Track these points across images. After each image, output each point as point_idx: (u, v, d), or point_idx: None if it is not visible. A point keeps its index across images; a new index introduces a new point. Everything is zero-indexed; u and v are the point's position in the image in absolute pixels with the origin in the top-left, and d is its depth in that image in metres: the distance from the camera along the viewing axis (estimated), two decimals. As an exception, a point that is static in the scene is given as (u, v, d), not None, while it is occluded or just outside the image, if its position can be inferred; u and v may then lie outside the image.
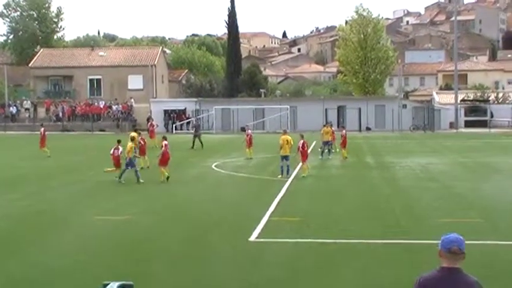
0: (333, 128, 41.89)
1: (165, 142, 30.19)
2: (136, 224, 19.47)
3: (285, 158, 30.39)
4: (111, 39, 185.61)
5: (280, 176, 30.09)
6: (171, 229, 18.80)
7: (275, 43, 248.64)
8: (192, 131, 52.51)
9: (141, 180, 28.57)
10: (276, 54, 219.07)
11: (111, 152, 30.14)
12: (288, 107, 76.57)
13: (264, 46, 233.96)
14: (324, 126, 42.61)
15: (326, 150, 39.39)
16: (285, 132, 32.37)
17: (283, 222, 19.54)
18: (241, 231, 18.06)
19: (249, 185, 28.81)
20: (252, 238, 17.26)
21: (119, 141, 30.69)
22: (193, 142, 48.46)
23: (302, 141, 30.98)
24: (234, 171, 33.60)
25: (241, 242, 16.81)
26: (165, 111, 79.06)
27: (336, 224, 19.44)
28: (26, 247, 16.61)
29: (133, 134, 33.34)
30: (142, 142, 33.80)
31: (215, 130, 74.16)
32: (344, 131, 41.24)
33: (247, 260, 15.25)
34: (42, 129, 44.32)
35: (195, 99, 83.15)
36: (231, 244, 16.73)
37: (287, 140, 30.73)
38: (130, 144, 29.75)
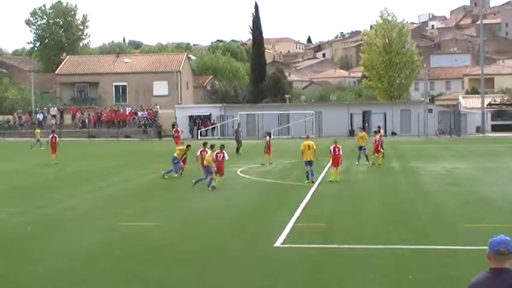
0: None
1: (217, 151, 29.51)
2: (161, 230, 19.47)
3: (309, 163, 30.28)
4: (136, 45, 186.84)
5: (306, 181, 29.99)
6: (196, 235, 18.76)
7: (299, 48, 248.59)
8: (234, 137, 51.90)
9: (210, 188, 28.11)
10: (301, 59, 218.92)
11: (214, 158, 29.08)
12: (313, 112, 76.45)
13: (289, 51, 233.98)
14: (360, 130, 42.33)
15: (363, 156, 39.05)
16: (307, 138, 32.40)
17: (309, 227, 19.44)
18: (266, 237, 17.99)
19: (274, 191, 28.73)
20: (278, 244, 17.19)
21: (209, 145, 30.40)
22: (238, 148, 48.94)
23: (334, 145, 30.89)
24: (259, 177, 33.55)
25: (267, 248, 16.74)
26: (190, 117, 79.27)
27: (361, 229, 19.31)
28: (51, 253, 16.64)
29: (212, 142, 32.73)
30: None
31: (240, 136, 74.07)
32: (377, 136, 39.20)
33: (273, 266, 15.16)
34: (51, 135, 43.82)
35: (219, 105, 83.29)
36: (256, 250, 16.67)
37: (308, 145, 30.63)
38: (210, 152, 29.35)
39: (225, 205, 24.66)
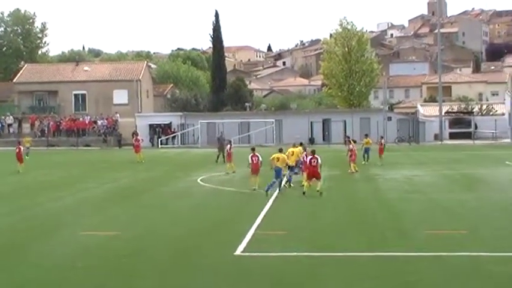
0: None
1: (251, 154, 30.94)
2: (123, 239, 19.40)
3: (290, 168, 31.16)
4: (96, 54, 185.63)
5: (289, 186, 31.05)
6: (157, 244, 18.73)
7: (260, 57, 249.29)
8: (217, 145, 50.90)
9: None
10: (261, 67, 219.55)
11: (250, 160, 30.89)
12: (273, 120, 76.68)
13: (249, 60, 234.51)
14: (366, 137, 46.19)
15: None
16: (294, 146, 33.60)
17: (269, 235, 19.53)
18: (227, 245, 18.02)
19: (235, 199, 28.77)
20: (238, 252, 17.24)
21: (253, 149, 31.88)
22: (218, 156, 47.90)
23: (305, 153, 31.01)
24: (220, 185, 33.57)
25: (227, 256, 16.78)
26: (151, 126, 78.94)
27: (321, 237, 19.46)
28: (13, 263, 16.49)
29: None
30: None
31: (200, 144, 74.14)
32: (351, 146, 40.09)
33: (233, 275, 15.23)
34: (19, 146, 43.72)
35: (180, 114, 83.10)
36: (216, 258, 16.69)
37: (293, 152, 31.52)
38: (283, 156, 30.06)
39: (185, 213, 24.66)
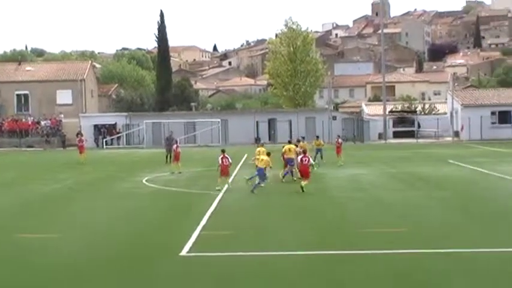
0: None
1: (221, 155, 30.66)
2: (64, 241, 19.16)
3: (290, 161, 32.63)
4: (39, 53, 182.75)
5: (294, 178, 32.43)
6: (101, 245, 18.56)
7: (206, 57, 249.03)
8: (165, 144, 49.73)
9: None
10: (207, 67, 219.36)
11: (220, 161, 30.53)
12: (219, 120, 76.61)
13: (195, 60, 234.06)
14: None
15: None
16: (289, 142, 36.06)
17: (214, 236, 19.51)
18: (172, 246, 17.95)
19: (181, 200, 28.68)
20: (183, 253, 17.17)
21: (223, 151, 31.42)
22: (167, 156, 46.79)
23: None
24: (166, 186, 33.41)
25: (172, 257, 16.71)
26: (95, 126, 78.23)
27: (267, 236, 19.52)
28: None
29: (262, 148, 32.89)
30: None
31: (146, 144, 73.72)
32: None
33: (178, 275, 15.18)
34: None
35: (125, 114, 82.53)
36: (161, 259, 16.60)
37: (289, 148, 33.37)
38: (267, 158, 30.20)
39: (129, 214, 24.48)
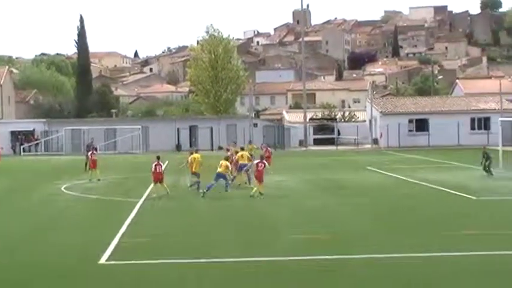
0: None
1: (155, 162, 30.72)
2: (-20, 251, 18.71)
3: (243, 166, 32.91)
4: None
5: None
6: (17, 255, 18.19)
7: (127, 63, 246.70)
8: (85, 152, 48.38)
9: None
10: (128, 74, 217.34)
11: (153, 168, 30.55)
12: (140, 127, 75.90)
13: (115, 66, 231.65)
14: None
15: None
16: (242, 149, 36.72)
17: (134, 243, 19.33)
18: (91, 254, 17.72)
19: (100, 207, 28.34)
20: (102, 261, 16.97)
21: (158, 157, 31.41)
22: (86, 163, 45.60)
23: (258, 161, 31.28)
24: (85, 193, 32.95)
25: (91, 266, 16.50)
26: (13, 133, 76.50)
27: (187, 243, 19.46)
28: None
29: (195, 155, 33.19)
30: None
31: (65, 151, 72.55)
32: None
33: (97, 284, 15.00)
34: None
35: (43, 120, 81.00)
36: (80, 268, 16.38)
37: (242, 155, 33.43)
38: (226, 162, 31.20)
39: (47, 222, 24.07)
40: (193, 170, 32.33)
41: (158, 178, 30.72)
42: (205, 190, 30.15)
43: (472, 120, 75.90)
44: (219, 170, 30.96)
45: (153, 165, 30.80)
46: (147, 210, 26.48)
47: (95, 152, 41.50)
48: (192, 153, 34.05)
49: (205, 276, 15.50)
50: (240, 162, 33.75)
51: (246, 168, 33.56)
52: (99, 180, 38.68)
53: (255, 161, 31.58)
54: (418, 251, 17.77)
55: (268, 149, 43.44)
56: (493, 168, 38.32)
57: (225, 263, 16.77)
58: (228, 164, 31.57)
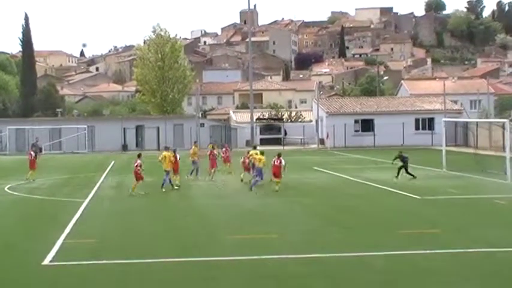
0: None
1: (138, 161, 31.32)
2: None
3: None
4: None
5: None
6: (-41, 256, 17.90)
7: (73, 62, 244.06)
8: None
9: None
10: (74, 73, 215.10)
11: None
12: (86, 126, 75.23)
13: (61, 65, 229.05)
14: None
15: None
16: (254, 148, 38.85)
17: (79, 244, 19.17)
18: (34, 255, 17.53)
19: (45, 208, 28.03)
20: (46, 262, 16.80)
21: (139, 156, 32.09)
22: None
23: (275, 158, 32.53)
24: (29, 194, 32.53)
25: (34, 267, 16.32)
26: (-46, 132, 75.14)
27: (132, 244, 19.35)
28: None
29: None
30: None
31: (9, 151, 71.48)
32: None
33: (41, 285, 14.84)
34: None
35: (-14, 119, 79.74)
36: (23, 269, 16.20)
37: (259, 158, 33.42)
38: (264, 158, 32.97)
39: (-10, 224, 23.71)
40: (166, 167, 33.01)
41: (138, 176, 31.13)
42: (253, 188, 32.22)
43: (417, 120, 76.93)
44: (259, 165, 32.66)
45: (134, 164, 31.29)
46: (92, 211, 26.26)
47: (31, 152, 40.70)
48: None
49: (147, 277, 15.45)
50: (258, 165, 33.18)
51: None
52: (33, 180, 38.11)
53: (273, 159, 32.75)
54: (370, 250, 18.01)
55: (228, 148, 45.39)
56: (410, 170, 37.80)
57: (171, 263, 16.73)
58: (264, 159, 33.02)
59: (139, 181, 31.27)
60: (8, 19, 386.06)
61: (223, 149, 43.42)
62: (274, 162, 32.40)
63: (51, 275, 15.78)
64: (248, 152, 36.43)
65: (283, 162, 32.15)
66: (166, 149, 35.69)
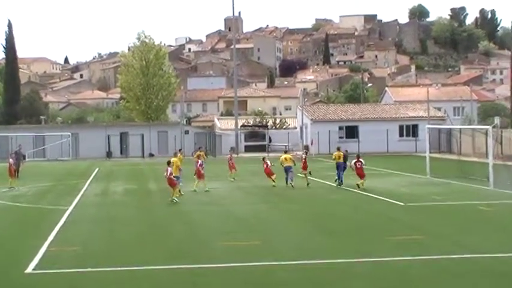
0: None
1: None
2: None
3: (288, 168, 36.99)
4: None
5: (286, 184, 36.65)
6: None
7: (56, 69, 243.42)
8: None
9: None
10: (58, 80, 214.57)
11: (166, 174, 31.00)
12: (70, 134, 75.00)
13: (45, 72, 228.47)
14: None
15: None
16: (285, 152, 41.20)
17: (62, 251, 19.04)
18: (17, 263, 17.39)
19: (28, 215, 27.83)
20: (29, 270, 16.67)
21: (168, 163, 31.74)
22: (15, 171, 44.86)
23: (355, 160, 35.84)
24: (11, 201, 32.31)
25: (17, 275, 16.18)
26: None
27: (117, 251, 19.24)
28: None
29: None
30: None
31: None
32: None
33: (24, 293, 14.74)
34: None
35: (-31, 126, 79.31)
36: (6, 278, 16.04)
37: (285, 158, 37.60)
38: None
39: (-27, 232, 23.52)
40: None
41: (172, 183, 30.85)
42: (291, 183, 36.34)
43: (401, 127, 77.26)
44: (288, 163, 36.92)
45: (166, 169, 31.03)
46: (76, 218, 26.11)
47: (10, 160, 40.43)
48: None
49: (133, 285, 15.37)
50: (285, 164, 37.26)
51: (291, 170, 37.41)
52: (15, 188, 37.96)
53: (353, 161, 35.89)
54: (357, 256, 18.00)
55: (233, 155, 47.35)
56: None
57: (157, 270, 16.63)
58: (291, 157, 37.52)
59: (175, 187, 31.05)
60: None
61: (228, 155, 44.19)
62: (355, 164, 35.48)
63: (35, 283, 15.65)
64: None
65: (363, 162, 35.47)
66: (175, 154, 36.53)
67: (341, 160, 37.86)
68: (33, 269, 16.79)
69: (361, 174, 35.62)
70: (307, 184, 37.49)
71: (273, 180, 37.44)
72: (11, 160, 40.16)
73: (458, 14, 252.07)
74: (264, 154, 74.42)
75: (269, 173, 37.89)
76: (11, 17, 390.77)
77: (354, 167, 35.87)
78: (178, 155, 39.08)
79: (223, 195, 34.07)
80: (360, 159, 35.64)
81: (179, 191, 32.28)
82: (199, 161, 36.93)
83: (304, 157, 39.88)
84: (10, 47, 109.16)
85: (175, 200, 30.46)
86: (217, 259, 17.81)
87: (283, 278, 15.85)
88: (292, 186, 36.29)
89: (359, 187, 34.81)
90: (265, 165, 38.26)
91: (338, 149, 39.34)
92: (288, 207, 29.18)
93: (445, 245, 19.56)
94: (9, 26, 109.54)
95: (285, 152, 41.35)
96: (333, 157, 38.38)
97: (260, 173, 49.60)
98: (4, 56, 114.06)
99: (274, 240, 20.66)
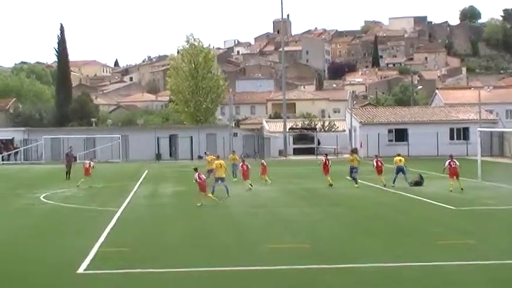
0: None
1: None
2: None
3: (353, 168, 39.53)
4: None
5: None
6: (-5, 264, 18.08)
7: (107, 72, 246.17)
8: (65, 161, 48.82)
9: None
10: (108, 82, 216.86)
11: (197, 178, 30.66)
12: (120, 136, 75.78)
13: (96, 75, 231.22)
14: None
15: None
16: (352, 152, 43.54)
17: (113, 252, 19.27)
18: (69, 264, 17.63)
19: (79, 216, 28.18)
20: (81, 270, 16.90)
21: (196, 169, 31.53)
22: (67, 172, 46.32)
23: (449, 160, 36.39)
24: (63, 202, 32.80)
25: (70, 275, 16.42)
26: (-9, 141, 76.06)
27: (166, 253, 19.39)
28: None
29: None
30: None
31: (45, 160, 72.20)
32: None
33: (75, 293, 14.94)
34: None
35: (23, 129, 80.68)
36: (59, 278, 16.30)
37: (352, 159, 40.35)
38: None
39: (26, 231, 23.92)
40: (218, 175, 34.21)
41: (203, 187, 30.74)
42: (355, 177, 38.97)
43: (451, 130, 76.38)
44: (354, 164, 39.99)
45: (196, 175, 30.73)
46: (126, 220, 26.38)
47: (86, 161, 41.81)
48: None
49: (180, 286, 15.46)
50: (351, 165, 40.11)
51: (356, 170, 39.85)
52: (89, 187, 39.04)
53: (447, 161, 36.45)
54: (404, 260, 17.87)
55: (263, 162, 45.73)
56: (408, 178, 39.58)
57: (204, 272, 16.72)
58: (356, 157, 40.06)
59: (206, 191, 31.02)
60: (44, 30, 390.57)
61: (240, 164, 41.69)
62: (450, 164, 36.06)
63: (87, 283, 15.87)
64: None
65: (457, 163, 35.91)
66: (218, 157, 37.54)
67: (401, 164, 39.32)
68: (85, 269, 17.02)
69: (456, 174, 36.07)
70: (356, 185, 38.99)
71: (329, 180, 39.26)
72: (86, 161, 41.23)
73: (511, 15, 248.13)
74: (312, 157, 74.53)
75: (326, 172, 39.97)
76: (63, 21, 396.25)
77: (447, 167, 36.33)
78: (230, 155, 39.64)
79: (271, 198, 34.04)
80: (455, 160, 36.25)
81: (212, 193, 32.36)
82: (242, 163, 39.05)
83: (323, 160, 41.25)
84: (62, 51, 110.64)
85: (202, 203, 30.26)
86: (264, 262, 17.81)
87: (330, 281, 15.80)
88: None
89: (462, 190, 35.22)
90: (326, 162, 40.39)
91: (398, 154, 41.09)
92: (337, 210, 29.08)
93: (497, 250, 19.27)
94: (61, 30, 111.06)
95: (352, 153, 44.00)
96: (394, 161, 40.18)
97: (307, 175, 49.62)
98: (56, 60, 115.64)
99: (322, 244, 20.60)
